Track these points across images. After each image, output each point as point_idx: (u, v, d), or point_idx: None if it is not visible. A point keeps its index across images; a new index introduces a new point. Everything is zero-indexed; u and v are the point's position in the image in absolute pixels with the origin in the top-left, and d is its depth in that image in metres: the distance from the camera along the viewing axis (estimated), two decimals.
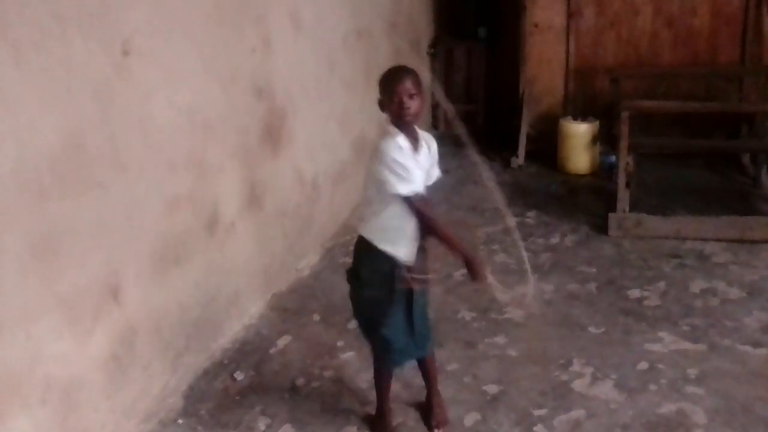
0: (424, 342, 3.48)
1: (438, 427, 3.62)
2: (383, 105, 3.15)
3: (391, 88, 3.08)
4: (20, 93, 2.80)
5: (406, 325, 3.34)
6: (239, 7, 4.30)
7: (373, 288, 3.31)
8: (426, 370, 3.65)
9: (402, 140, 3.10)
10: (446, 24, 8.62)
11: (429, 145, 3.27)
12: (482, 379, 3.96)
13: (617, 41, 7.48)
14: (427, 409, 3.69)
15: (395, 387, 3.72)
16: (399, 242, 3.23)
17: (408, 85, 3.06)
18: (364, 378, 3.96)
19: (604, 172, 6.94)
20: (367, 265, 3.31)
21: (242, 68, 4.37)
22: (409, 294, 3.28)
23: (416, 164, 3.14)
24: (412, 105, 3.06)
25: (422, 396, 3.75)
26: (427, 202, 3.24)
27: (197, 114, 3.93)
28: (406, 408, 3.78)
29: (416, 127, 3.19)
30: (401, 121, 3.10)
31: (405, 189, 3.08)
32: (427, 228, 3.23)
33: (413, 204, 3.13)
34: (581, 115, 7.25)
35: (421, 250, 3.30)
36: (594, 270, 5.17)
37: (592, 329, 4.42)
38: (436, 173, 3.35)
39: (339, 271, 3.92)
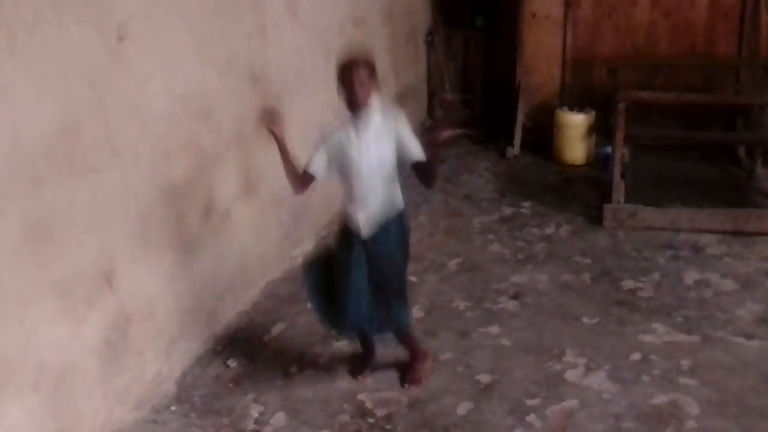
0: (383, 319, 3.68)
1: (408, 384, 3.82)
2: (339, 93, 3.47)
3: (344, 79, 3.42)
4: (15, 78, 2.79)
5: (360, 293, 3.59)
6: None
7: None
8: (400, 341, 3.90)
9: (339, 128, 3.53)
10: (443, 12, 8.59)
11: (392, 127, 3.51)
12: (475, 369, 3.97)
13: (615, 32, 7.46)
14: (406, 368, 3.91)
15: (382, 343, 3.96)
16: (352, 215, 3.58)
17: (359, 75, 3.39)
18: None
19: (599, 162, 6.93)
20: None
21: (238, 55, 4.36)
22: (369, 264, 3.57)
23: (354, 143, 3.48)
24: (361, 93, 3.40)
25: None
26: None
27: (193, 101, 3.92)
28: (391, 364, 3.98)
29: (375, 108, 3.47)
30: (352, 107, 3.44)
31: (307, 165, 3.57)
32: None
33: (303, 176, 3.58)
34: (578, 106, 7.24)
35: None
36: (588, 261, 5.18)
37: (585, 320, 4.42)
38: (413, 153, 3.51)
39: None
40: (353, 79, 3.38)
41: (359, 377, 3.90)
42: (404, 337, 3.87)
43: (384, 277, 3.61)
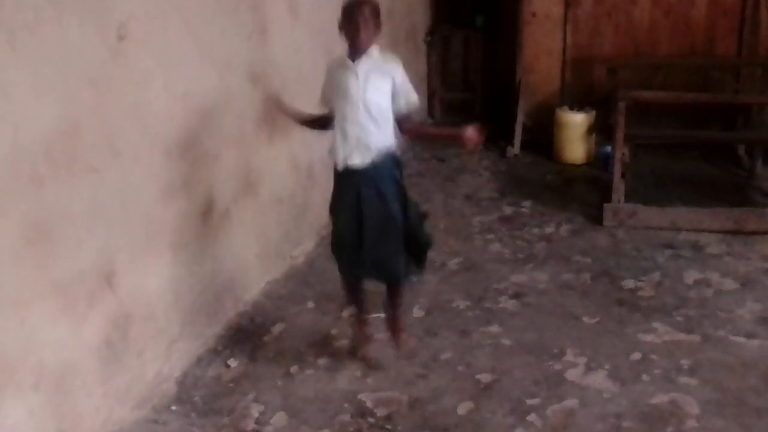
0: (378, 267, 3.74)
1: (398, 344, 4.00)
2: (341, 27, 3.55)
3: (350, 13, 3.50)
4: (15, 78, 2.78)
5: (353, 237, 3.67)
6: None
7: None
8: (389, 295, 3.96)
9: (336, 60, 3.65)
10: (443, 12, 8.59)
11: (385, 65, 3.61)
12: (476, 368, 3.97)
13: (615, 31, 7.47)
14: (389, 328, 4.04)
15: (383, 342, 4.06)
16: (335, 148, 3.65)
17: (365, 12, 3.49)
18: (358, 366, 3.97)
19: (599, 162, 6.94)
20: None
21: (239, 55, 4.36)
22: (360, 209, 3.63)
23: (346, 78, 3.56)
24: (365, 31, 3.49)
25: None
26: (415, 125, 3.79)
27: (193, 100, 3.92)
28: (391, 363, 4.01)
29: (374, 50, 3.58)
30: (355, 45, 3.53)
31: (323, 104, 3.71)
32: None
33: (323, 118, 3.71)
34: (578, 105, 7.25)
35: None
36: (588, 260, 5.18)
37: (586, 319, 4.43)
38: (410, 99, 3.67)
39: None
40: (358, 17, 3.46)
41: (365, 344, 3.99)
42: (395, 295, 3.94)
43: (377, 222, 3.64)
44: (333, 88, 3.65)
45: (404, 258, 3.77)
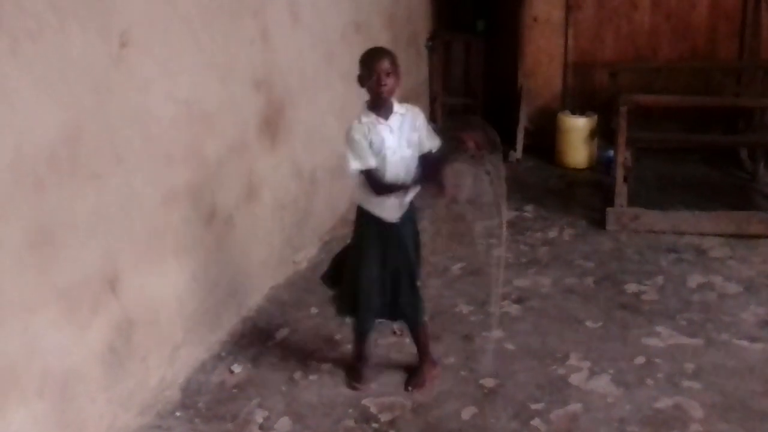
0: (404, 309, 3.74)
1: (412, 387, 3.83)
2: (363, 80, 3.48)
3: (371, 66, 3.43)
4: (18, 84, 2.79)
5: (382, 286, 3.67)
6: None
7: (354, 242, 3.76)
8: (416, 336, 3.91)
9: (365, 117, 3.50)
10: (445, 17, 8.60)
11: (411, 117, 3.57)
12: (479, 373, 3.96)
13: (616, 35, 7.47)
14: (412, 372, 3.92)
15: (388, 348, 4.01)
16: (381, 205, 3.59)
17: (386, 64, 3.42)
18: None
19: (602, 166, 6.94)
20: (356, 226, 3.75)
21: (241, 60, 4.37)
22: (384, 255, 3.63)
23: (381, 136, 3.48)
24: (389, 82, 3.42)
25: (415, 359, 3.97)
26: (436, 165, 3.55)
27: (195, 106, 3.92)
28: (395, 368, 4.00)
29: (395, 101, 3.54)
30: (378, 96, 3.45)
31: (356, 164, 3.50)
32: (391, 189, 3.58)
33: (367, 175, 3.51)
34: (579, 109, 7.25)
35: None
36: (591, 264, 5.17)
37: (589, 323, 4.42)
38: (432, 143, 3.63)
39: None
40: (380, 70, 3.40)
41: (359, 386, 3.88)
42: (420, 334, 3.90)
43: (409, 262, 3.68)
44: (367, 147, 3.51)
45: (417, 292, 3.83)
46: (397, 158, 3.53)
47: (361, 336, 3.93)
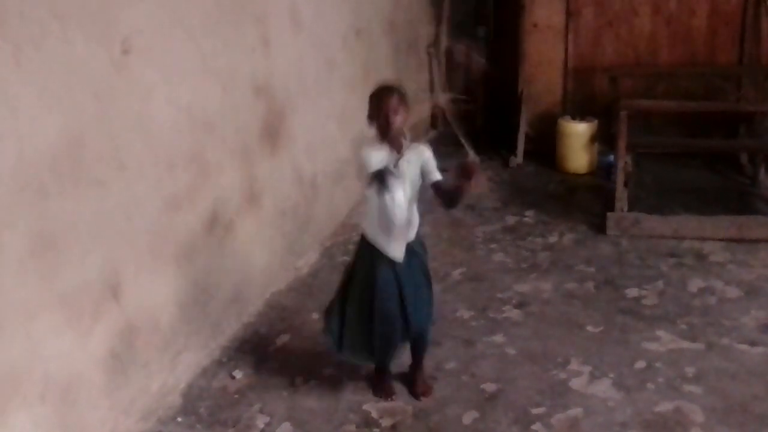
0: (419, 335, 3.75)
1: (422, 395, 3.84)
2: (371, 118, 3.49)
3: (379, 105, 3.44)
4: (20, 91, 2.80)
5: (365, 322, 3.64)
6: (239, 5, 4.31)
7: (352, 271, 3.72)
8: (416, 348, 3.89)
9: (380, 153, 3.45)
10: (446, 23, 8.61)
11: (417, 155, 3.54)
12: (480, 378, 3.97)
13: (616, 41, 7.49)
14: (411, 380, 3.90)
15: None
16: (386, 239, 3.57)
17: (393, 102, 3.42)
18: (362, 376, 3.97)
19: (602, 171, 6.95)
20: (356, 254, 3.72)
21: (242, 67, 4.38)
22: (373, 293, 3.60)
23: (394, 177, 3.46)
24: (396, 120, 3.42)
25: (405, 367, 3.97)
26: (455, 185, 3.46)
27: (197, 113, 3.94)
28: (395, 373, 3.97)
29: (403, 139, 3.50)
30: (386, 134, 3.44)
31: (373, 165, 3.43)
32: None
33: (383, 175, 3.44)
34: (580, 115, 7.26)
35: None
36: (592, 269, 5.18)
37: (590, 328, 4.43)
38: (437, 176, 3.57)
39: (337, 270, 3.94)
40: (388, 109, 3.41)
41: (390, 398, 3.86)
42: (424, 353, 3.91)
43: (421, 295, 3.68)
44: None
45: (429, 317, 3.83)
46: (402, 203, 3.52)
47: (382, 373, 3.93)
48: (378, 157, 3.46)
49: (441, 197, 3.57)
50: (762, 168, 6.59)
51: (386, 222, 3.54)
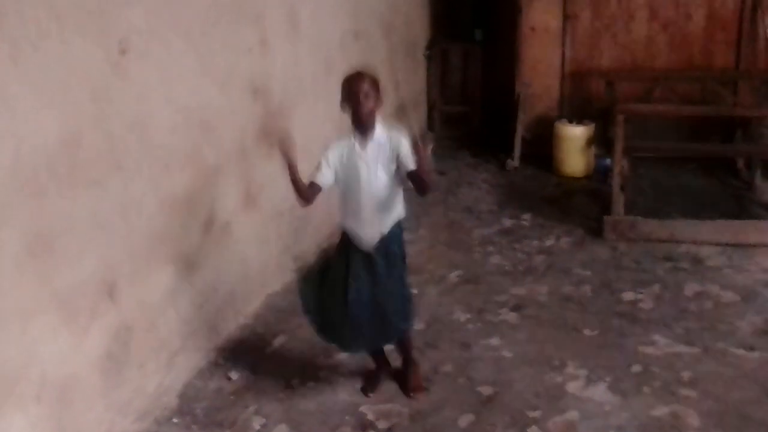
0: (384, 330, 3.71)
1: (414, 393, 3.84)
2: (343, 103, 3.54)
3: (350, 89, 3.49)
4: (18, 91, 2.80)
5: (339, 307, 3.61)
6: (237, 7, 4.31)
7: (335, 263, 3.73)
8: (401, 344, 3.91)
9: (350, 140, 3.57)
10: (443, 26, 8.64)
11: (391, 145, 3.54)
12: (476, 381, 3.97)
13: (613, 45, 7.51)
14: (402, 378, 3.93)
15: None
16: (355, 224, 3.62)
17: (365, 87, 3.47)
18: (358, 378, 3.97)
19: (599, 175, 6.96)
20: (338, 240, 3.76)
21: (239, 68, 4.38)
22: (346, 280, 3.60)
23: (356, 164, 3.55)
24: (367, 104, 3.47)
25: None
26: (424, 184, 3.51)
27: (194, 113, 3.93)
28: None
29: (378, 124, 3.55)
30: (358, 119, 3.51)
31: (312, 173, 3.60)
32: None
33: (310, 186, 3.59)
34: (576, 118, 7.28)
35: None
36: (589, 273, 5.19)
37: (586, 331, 4.43)
38: (410, 167, 3.52)
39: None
40: (359, 92, 3.45)
41: (371, 394, 3.87)
42: (402, 343, 3.90)
43: (386, 290, 3.63)
44: (340, 170, 3.59)
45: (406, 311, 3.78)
46: (370, 187, 3.54)
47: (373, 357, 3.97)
48: (338, 150, 3.57)
49: (413, 185, 3.56)
50: (758, 172, 6.61)
51: (353, 207, 3.59)
